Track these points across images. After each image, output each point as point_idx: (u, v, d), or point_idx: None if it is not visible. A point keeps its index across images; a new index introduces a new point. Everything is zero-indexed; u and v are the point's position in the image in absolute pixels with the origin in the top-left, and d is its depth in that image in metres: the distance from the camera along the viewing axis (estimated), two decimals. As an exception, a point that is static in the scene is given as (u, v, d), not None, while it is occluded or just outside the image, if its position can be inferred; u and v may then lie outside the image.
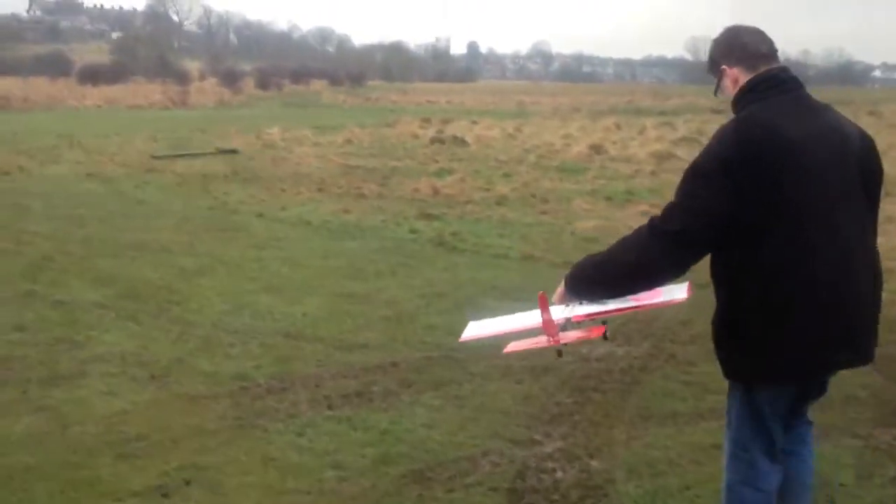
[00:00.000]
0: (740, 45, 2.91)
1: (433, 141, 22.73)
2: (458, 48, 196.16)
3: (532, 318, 3.08)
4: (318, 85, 73.19)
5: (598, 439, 4.59)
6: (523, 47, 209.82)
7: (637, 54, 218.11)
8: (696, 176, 2.71)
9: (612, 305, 2.98)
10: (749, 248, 2.68)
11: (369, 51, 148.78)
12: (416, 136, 25.00)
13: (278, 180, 15.43)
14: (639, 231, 2.82)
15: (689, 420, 4.87)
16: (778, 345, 2.70)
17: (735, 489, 3.00)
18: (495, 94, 68.57)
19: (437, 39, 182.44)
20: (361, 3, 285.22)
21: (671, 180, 15.54)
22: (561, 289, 3.03)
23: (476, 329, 3.41)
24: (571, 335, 2.98)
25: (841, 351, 2.76)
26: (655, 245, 2.76)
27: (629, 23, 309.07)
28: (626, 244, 2.85)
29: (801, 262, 2.64)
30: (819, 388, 3.00)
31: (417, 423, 4.77)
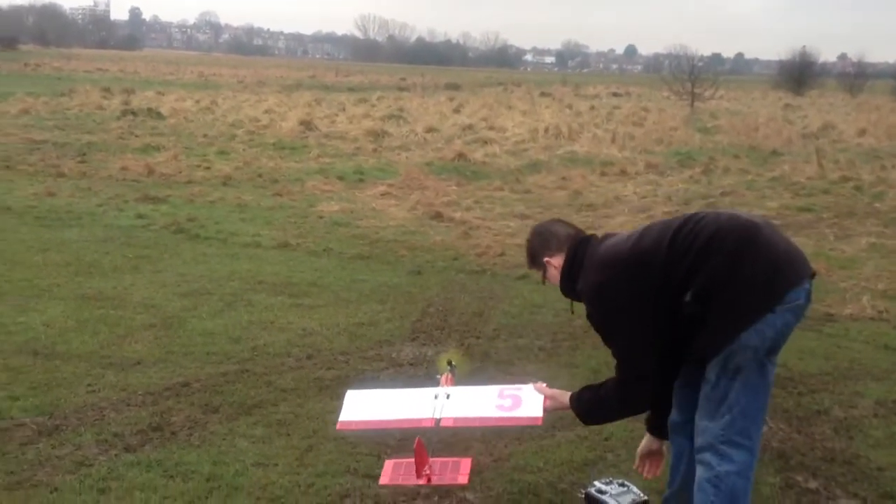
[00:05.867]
0: (549, 236, 3.29)
1: (125, 113, 20.69)
2: (119, 13, 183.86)
3: (413, 406, 3.27)
4: (-39, 47, 64.96)
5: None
6: (190, 16, 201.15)
7: (307, 29, 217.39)
8: (615, 317, 3.01)
9: (479, 415, 3.21)
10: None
11: (19, 12, 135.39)
12: (101, 108, 22.67)
13: (-51, 157, 13.11)
14: (615, 383, 3.06)
15: (541, 434, 4.44)
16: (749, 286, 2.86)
17: (727, 480, 2.91)
18: (169, 65, 64.94)
19: (96, 3, 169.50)
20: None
21: (393, 159, 15.42)
22: (556, 405, 3.19)
23: (355, 409, 3.34)
24: (440, 473, 3.16)
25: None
26: (636, 392, 3.03)
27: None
28: (613, 395, 3.06)
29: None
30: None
31: (247, 461, 3.91)
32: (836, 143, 20.89)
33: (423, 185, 12.20)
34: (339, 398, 3.50)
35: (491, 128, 21.44)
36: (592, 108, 32.21)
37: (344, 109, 25.44)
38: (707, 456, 2.95)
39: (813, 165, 15.55)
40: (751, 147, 19.51)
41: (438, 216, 10.11)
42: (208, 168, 13.12)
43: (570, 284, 3.18)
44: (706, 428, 2.96)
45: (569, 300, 3.29)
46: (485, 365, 5.36)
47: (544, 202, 11.80)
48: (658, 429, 3.32)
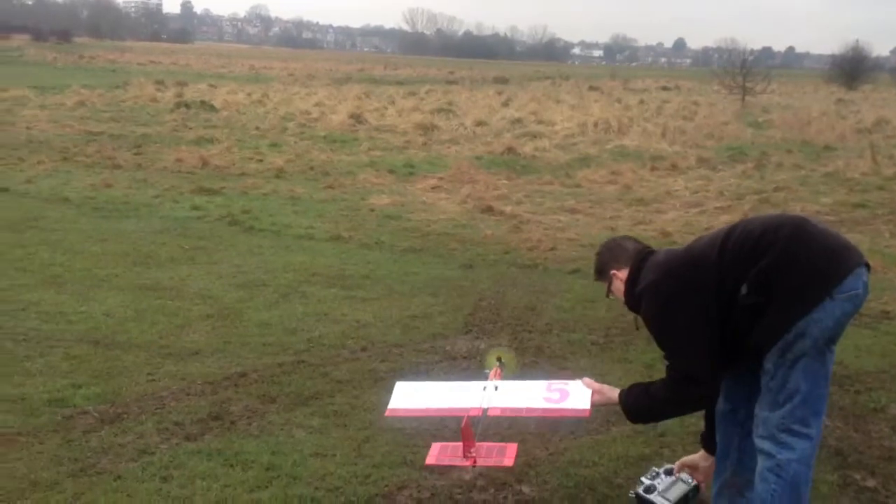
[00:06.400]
0: (619, 250, 3.35)
1: (178, 105, 20.99)
2: (171, 7, 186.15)
3: (461, 396, 3.32)
4: (18, 40, 66.40)
5: (521, 458, 4.04)
6: (240, 9, 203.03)
7: (356, 23, 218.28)
8: (668, 316, 3.05)
9: (526, 405, 3.23)
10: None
11: (73, 5, 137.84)
12: (155, 100, 23.04)
13: (10, 148, 13.41)
14: (665, 385, 3.06)
15: (596, 429, 4.44)
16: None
17: (788, 468, 2.92)
18: (220, 57, 65.76)
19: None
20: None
21: (443, 152, 15.44)
22: (604, 399, 3.21)
23: (404, 398, 3.40)
24: (486, 456, 3.14)
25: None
26: (684, 392, 3.03)
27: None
28: (662, 394, 3.07)
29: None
30: None
31: (305, 451, 3.96)
32: (890, 139, 20.43)
33: (474, 179, 12.20)
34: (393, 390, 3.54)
35: (540, 122, 21.36)
36: (641, 102, 31.90)
37: (393, 103, 25.52)
38: (767, 445, 2.95)
39: (867, 161, 15.23)
40: (804, 142, 19.18)
41: (489, 210, 10.11)
42: (261, 160, 13.26)
43: (633, 297, 3.22)
44: (766, 418, 2.95)
45: (633, 315, 3.29)
46: (538, 359, 5.36)
47: (594, 196, 11.72)
48: (710, 443, 3.35)
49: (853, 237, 9.05)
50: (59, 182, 10.83)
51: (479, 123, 20.06)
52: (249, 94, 25.51)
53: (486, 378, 3.43)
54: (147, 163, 12.69)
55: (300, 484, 3.66)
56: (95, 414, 4.25)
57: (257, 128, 17.72)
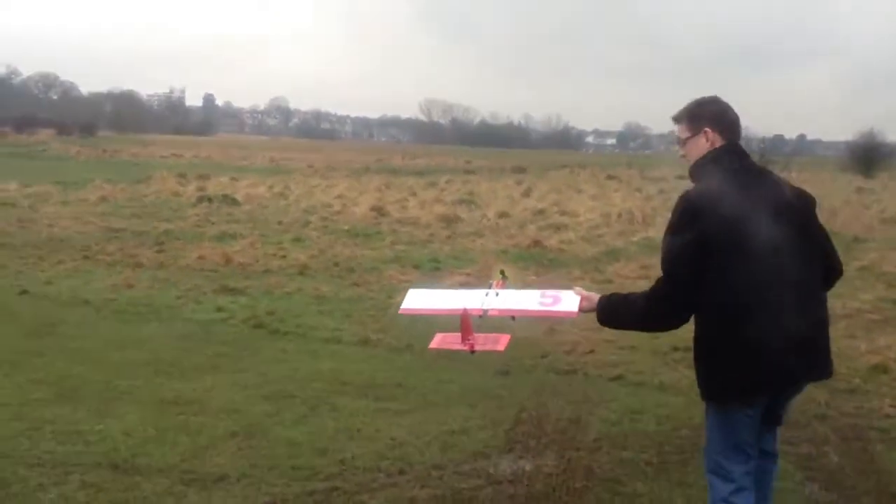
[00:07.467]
0: (729, 120, 3.42)
1: (200, 200, 20.99)
2: (193, 100, 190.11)
3: (466, 299, 3.69)
4: (44, 134, 67.71)
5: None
6: (261, 101, 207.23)
7: (373, 113, 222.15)
8: (667, 237, 3.26)
9: (522, 307, 3.64)
10: (713, 287, 3.16)
11: (98, 99, 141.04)
12: (177, 195, 23.08)
13: (32, 247, 13.26)
14: (645, 294, 3.35)
15: None
16: (745, 363, 3.14)
17: None
18: (241, 149, 66.70)
19: (172, 90, 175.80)
20: (87, 50, 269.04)
21: (468, 246, 15.19)
22: (590, 305, 3.51)
23: (415, 300, 3.90)
24: (482, 343, 3.56)
25: (800, 365, 3.20)
26: (661, 307, 3.30)
27: (367, 82, 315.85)
28: (640, 303, 3.35)
29: (755, 296, 3.12)
30: (780, 409, 3.40)
31: None
32: (919, 230, 20.03)
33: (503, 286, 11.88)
34: None
35: (563, 212, 21.18)
36: (661, 191, 31.77)
37: (414, 194, 25.49)
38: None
39: (902, 254, 14.82)
40: (832, 233, 18.74)
41: (521, 309, 9.76)
42: (284, 257, 13.04)
43: (699, 166, 3.38)
44: None
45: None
46: (589, 483, 4.95)
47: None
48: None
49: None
50: (79, 283, 10.61)
51: (502, 215, 19.89)
52: (271, 187, 25.56)
53: (490, 287, 3.79)
54: (169, 260, 12.49)
55: None
56: (113, 556, 3.88)
57: (280, 222, 17.60)
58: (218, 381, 6.74)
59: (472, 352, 3.54)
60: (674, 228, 3.23)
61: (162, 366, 7.11)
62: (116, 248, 13.38)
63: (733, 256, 3.11)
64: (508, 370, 7.35)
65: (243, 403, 6.18)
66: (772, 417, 3.38)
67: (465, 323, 3.50)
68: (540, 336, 8.60)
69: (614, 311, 3.43)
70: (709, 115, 3.38)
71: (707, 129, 3.33)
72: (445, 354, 7.83)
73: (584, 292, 3.56)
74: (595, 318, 3.54)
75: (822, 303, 3.36)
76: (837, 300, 10.59)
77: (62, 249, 13.12)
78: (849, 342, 8.40)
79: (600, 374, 7.32)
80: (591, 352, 7.98)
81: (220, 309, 9.31)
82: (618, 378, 7.13)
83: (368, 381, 6.86)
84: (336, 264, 12.63)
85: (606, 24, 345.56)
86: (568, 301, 3.56)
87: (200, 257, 12.57)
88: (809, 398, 6.61)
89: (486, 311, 3.58)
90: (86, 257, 12.57)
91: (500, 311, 3.60)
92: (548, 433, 5.81)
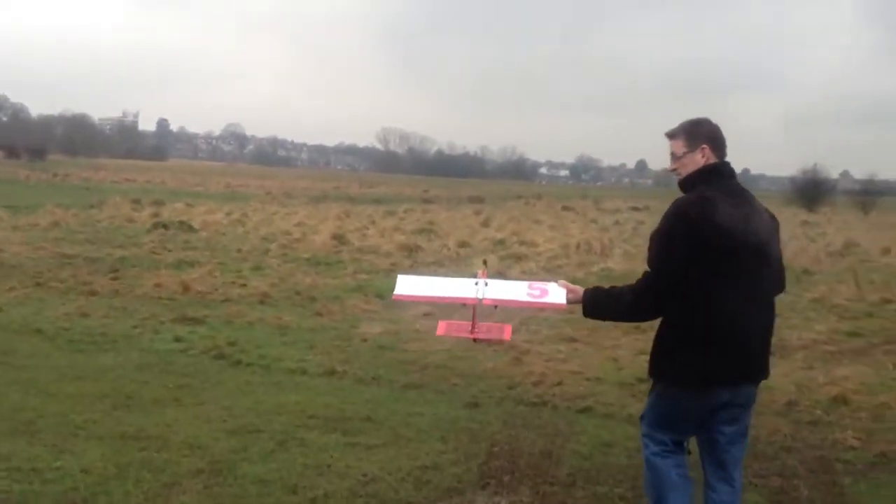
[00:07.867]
0: (721, 139, 3.72)
1: (156, 226, 20.62)
2: (146, 125, 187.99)
3: (458, 288, 4.01)
4: (-8, 157, 66.35)
5: None
6: (216, 128, 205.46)
7: (330, 141, 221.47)
8: (661, 238, 3.58)
9: (515, 298, 3.95)
10: (696, 286, 3.52)
11: (48, 122, 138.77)
12: (131, 220, 22.68)
13: (-20, 273, 12.86)
14: (632, 288, 3.67)
15: None
16: (709, 355, 3.51)
17: (651, 461, 3.75)
18: (196, 175, 66.02)
19: (125, 114, 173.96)
20: (39, 73, 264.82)
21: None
22: (576, 297, 3.84)
23: (407, 286, 4.11)
24: (486, 332, 4.00)
25: (736, 369, 3.57)
26: (645, 301, 3.64)
27: (322, 111, 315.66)
28: (627, 296, 3.68)
29: (732, 299, 3.49)
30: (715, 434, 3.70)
31: None
32: (864, 263, 20.32)
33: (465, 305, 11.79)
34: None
35: (522, 242, 21.20)
36: (617, 222, 32.06)
37: (374, 222, 25.37)
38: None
39: (850, 286, 14.96)
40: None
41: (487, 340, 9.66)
42: (244, 285, 12.80)
43: (688, 181, 3.68)
44: None
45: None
46: (566, 520, 4.85)
47: (590, 324, 11.33)
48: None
49: (857, 370, 8.72)
50: (31, 311, 10.30)
51: (462, 244, 19.84)
52: (228, 214, 25.27)
53: (475, 276, 4.03)
54: (125, 288, 12.18)
55: None
56: None
57: (238, 249, 17.33)
58: (180, 414, 6.53)
59: (476, 340, 3.94)
60: (665, 230, 3.55)
61: (120, 398, 6.87)
62: (69, 275, 13.03)
63: (720, 261, 3.44)
64: (478, 402, 7.25)
65: (207, 438, 5.98)
66: (710, 442, 3.72)
67: (472, 314, 3.84)
68: (507, 367, 8.53)
69: (601, 304, 3.73)
70: (706, 132, 3.67)
71: (705, 145, 3.62)
72: (413, 384, 7.76)
73: (569, 285, 3.87)
74: (580, 311, 3.86)
75: (773, 311, 3.77)
76: (793, 331, 10.66)
77: (13, 276, 12.74)
78: (807, 373, 8.45)
79: (568, 405, 7.25)
80: (560, 384, 7.90)
81: (178, 339, 9.07)
82: (586, 410, 7.07)
83: (336, 415, 6.69)
84: (298, 293, 12.43)
85: (562, 60, 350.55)
86: (555, 293, 3.87)
87: (157, 285, 12.28)
88: (774, 429, 6.62)
89: (480, 300, 3.85)
90: (38, 284, 12.22)
91: (493, 300, 3.88)
92: (521, 468, 5.70)
